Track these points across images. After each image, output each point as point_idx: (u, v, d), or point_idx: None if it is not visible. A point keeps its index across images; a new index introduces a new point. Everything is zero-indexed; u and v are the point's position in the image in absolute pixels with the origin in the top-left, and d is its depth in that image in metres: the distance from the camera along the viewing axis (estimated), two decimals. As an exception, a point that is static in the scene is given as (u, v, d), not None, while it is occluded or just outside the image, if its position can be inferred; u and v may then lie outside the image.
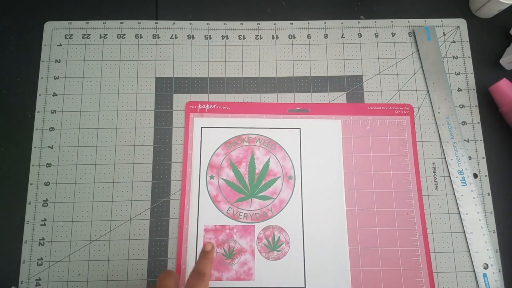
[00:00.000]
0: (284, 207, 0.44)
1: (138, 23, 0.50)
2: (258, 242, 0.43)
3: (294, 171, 0.45)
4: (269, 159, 0.45)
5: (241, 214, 0.44)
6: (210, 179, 0.45)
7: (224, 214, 0.44)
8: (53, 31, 0.49)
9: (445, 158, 0.46)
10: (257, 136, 0.46)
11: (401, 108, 0.47)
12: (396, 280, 0.42)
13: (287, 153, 0.46)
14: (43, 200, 0.44)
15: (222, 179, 0.45)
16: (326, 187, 0.45)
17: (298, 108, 0.47)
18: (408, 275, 0.42)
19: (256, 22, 0.50)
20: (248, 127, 0.46)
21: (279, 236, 0.43)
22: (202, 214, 0.44)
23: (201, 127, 0.46)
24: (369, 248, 0.43)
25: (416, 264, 0.43)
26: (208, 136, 0.46)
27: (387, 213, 0.44)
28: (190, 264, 0.42)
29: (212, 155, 0.45)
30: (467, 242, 0.44)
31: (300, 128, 0.46)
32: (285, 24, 0.50)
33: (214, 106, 0.47)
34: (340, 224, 0.44)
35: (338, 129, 0.47)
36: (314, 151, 0.46)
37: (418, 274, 0.42)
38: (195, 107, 0.47)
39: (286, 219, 0.44)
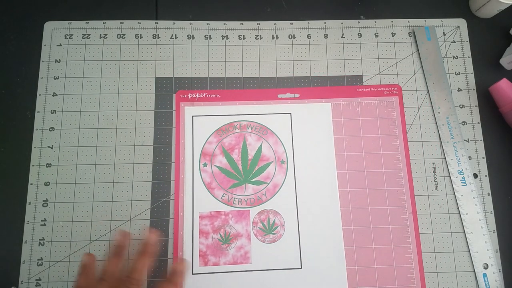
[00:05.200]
0: (278, 191, 0.45)
1: (138, 23, 0.50)
2: (254, 226, 0.44)
3: (286, 155, 0.46)
4: (261, 144, 0.46)
5: (235, 199, 0.45)
6: (204, 166, 0.45)
7: (219, 201, 0.44)
8: (53, 31, 0.49)
9: (445, 158, 0.46)
10: (248, 122, 0.47)
11: (390, 89, 0.48)
12: (387, 256, 0.44)
13: (279, 138, 0.46)
14: (43, 200, 0.44)
15: (216, 166, 0.45)
16: (318, 170, 0.46)
17: (288, 94, 0.47)
18: (399, 251, 0.44)
19: (256, 22, 0.50)
20: (239, 114, 0.47)
21: (274, 220, 0.44)
22: (197, 201, 0.44)
23: (192, 116, 0.47)
24: (362, 227, 0.44)
25: (406, 241, 0.44)
26: (200, 124, 0.46)
27: (378, 192, 0.45)
28: (187, 250, 0.43)
29: (205, 143, 0.46)
30: (467, 242, 0.44)
31: (290, 113, 0.47)
32: (285, 24, 0.50)
33: (204, 94, 0.47)
34: (333, 205, 0.45)
35: (328, 112, 0.47)
36: (305, 135, 0.47)
37: (408, 251, 0.44)
38: (185, 96, 0.47)
39: (281, 203, 0.45)
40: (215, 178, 0.45)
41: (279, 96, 0.48)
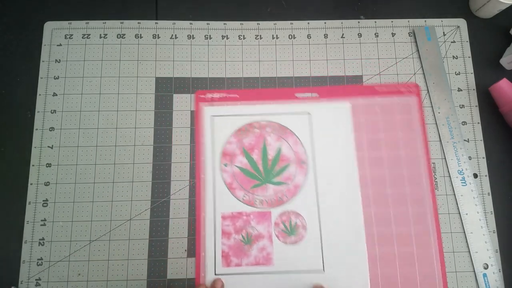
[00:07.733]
0: (299, 192, 0.45)
1: (138, 23, 0.50)
2: (275, 228, 0.44)
3: (306, 155, 0.46)
4: (281, 144, 0.46)
5: (257, 200, 0.45)
6: (224, 166, 0.45)
7: (240, 201, 0.44)
8: (53, 31, 0.49)
9: (445, 158, 0.46)
10: (267, 122, 0.47)
11: (408, 88, 0.48)
12: (410, 261, 0.43)
13: (299, 138, 0.46)
14: (43, 200, 0.44)
15: (236, 166, 0.45)
16: (339, 170, 0.45)
17: (306, 93, 0.47)
18: (421, 254, 0.43)
19: (256, 22, 0.50)
20: (258, 113, 0.47)
21: (296, 221, 0.44)
22: (219, 202, 0.44)
23: (211, 116, 0.46)
24: (385, 228, 0.44)
25: (428, 242, 0.43)
26: (219, 124, 0.46)
27: (400, 193, 0.45)
28: (209, 250, 0.43)
29: (225, 143, 0.46)
30: (467, 242, 0.44)
31: (309, 113, 0.47)
32: (285, 24, 0.50)
33: (223, 94, 0.47)
34: (354, 205, 0.44)
35: (348, 112, 0.47)
36: (325, 135, 0.46)
37: (430, 252, 0.43)
38: (204, 96, 0.47)
39: (302, 204, 0.44)
40: (236, 179, 0.45)
41: (297, 95, 0.47)
